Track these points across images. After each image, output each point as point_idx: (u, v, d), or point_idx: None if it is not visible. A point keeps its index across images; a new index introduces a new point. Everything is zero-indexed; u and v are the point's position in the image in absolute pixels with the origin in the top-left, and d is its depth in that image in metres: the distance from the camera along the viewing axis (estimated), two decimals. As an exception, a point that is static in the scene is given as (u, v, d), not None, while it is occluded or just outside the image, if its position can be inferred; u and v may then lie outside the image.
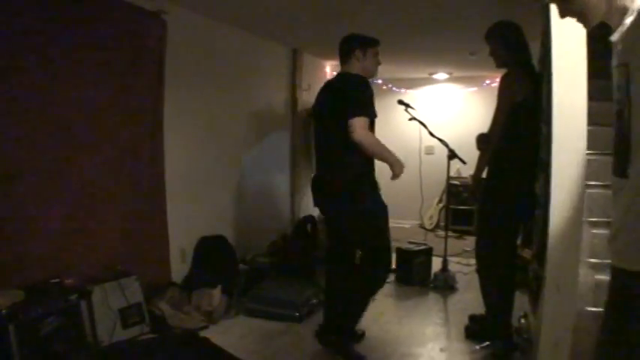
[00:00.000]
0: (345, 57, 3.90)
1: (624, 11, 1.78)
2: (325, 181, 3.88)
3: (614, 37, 1.85)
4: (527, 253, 4.23)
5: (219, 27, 5.29)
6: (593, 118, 2.70)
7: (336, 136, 3.69)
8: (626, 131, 1.81)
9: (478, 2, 4.35)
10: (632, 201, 1.75)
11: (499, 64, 3.90)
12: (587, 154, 2.75)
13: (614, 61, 1.86)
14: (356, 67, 3.85)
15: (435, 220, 8.94)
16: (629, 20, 1.76)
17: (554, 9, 2.36)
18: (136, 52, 4.21)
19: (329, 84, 4.05)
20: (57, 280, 3.50)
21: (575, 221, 2.77)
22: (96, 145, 3.95)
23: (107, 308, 3.78)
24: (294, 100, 6.95)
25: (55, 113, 3.63)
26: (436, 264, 5.84)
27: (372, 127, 3.72)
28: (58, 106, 3.64)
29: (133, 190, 4.30)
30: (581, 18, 1.97)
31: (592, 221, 2.98)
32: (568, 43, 2.67)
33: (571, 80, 2.68)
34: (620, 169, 1.84)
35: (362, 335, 4.11)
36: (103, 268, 3.96)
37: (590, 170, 2.82)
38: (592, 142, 2.74)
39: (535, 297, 3.12)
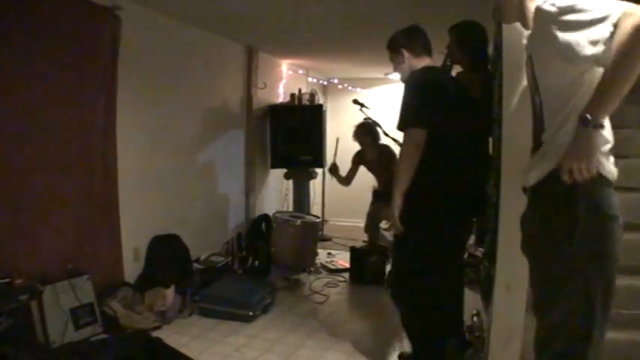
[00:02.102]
0: (430, 50, 3.54)
1: (531, 10, 2.06)
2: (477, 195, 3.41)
3: (527, 33, 2.17)
4: (479, 252, 4.30)
5: (173, 24, 5.22)
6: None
7: (479, 146, 3.46)
8: (539, 115, 2.10)
9: (434, 3, 4.40)
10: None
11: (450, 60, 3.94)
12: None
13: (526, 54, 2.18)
14: None
15: (390, 219, 8.93)
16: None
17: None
18: (88, 48, 4.11)
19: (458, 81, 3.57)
20: (7, 280, 3.40)
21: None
22: (45, 142, 3.86)
23: (58, 308, 3.70)
24: (249, 99, 6.91)
25: (0, 109, 3.53)
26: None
27: None
28: (3, 102, 3.53)
29: (85, 188, 4.21)
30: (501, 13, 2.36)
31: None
32: (519, 44, 2.71)
33: (522, 81, 2.73)
34: (536, 149, 2.13)
35: None
36: (54, 268, 3.88)
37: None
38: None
39: (487, 295, 3.17)
